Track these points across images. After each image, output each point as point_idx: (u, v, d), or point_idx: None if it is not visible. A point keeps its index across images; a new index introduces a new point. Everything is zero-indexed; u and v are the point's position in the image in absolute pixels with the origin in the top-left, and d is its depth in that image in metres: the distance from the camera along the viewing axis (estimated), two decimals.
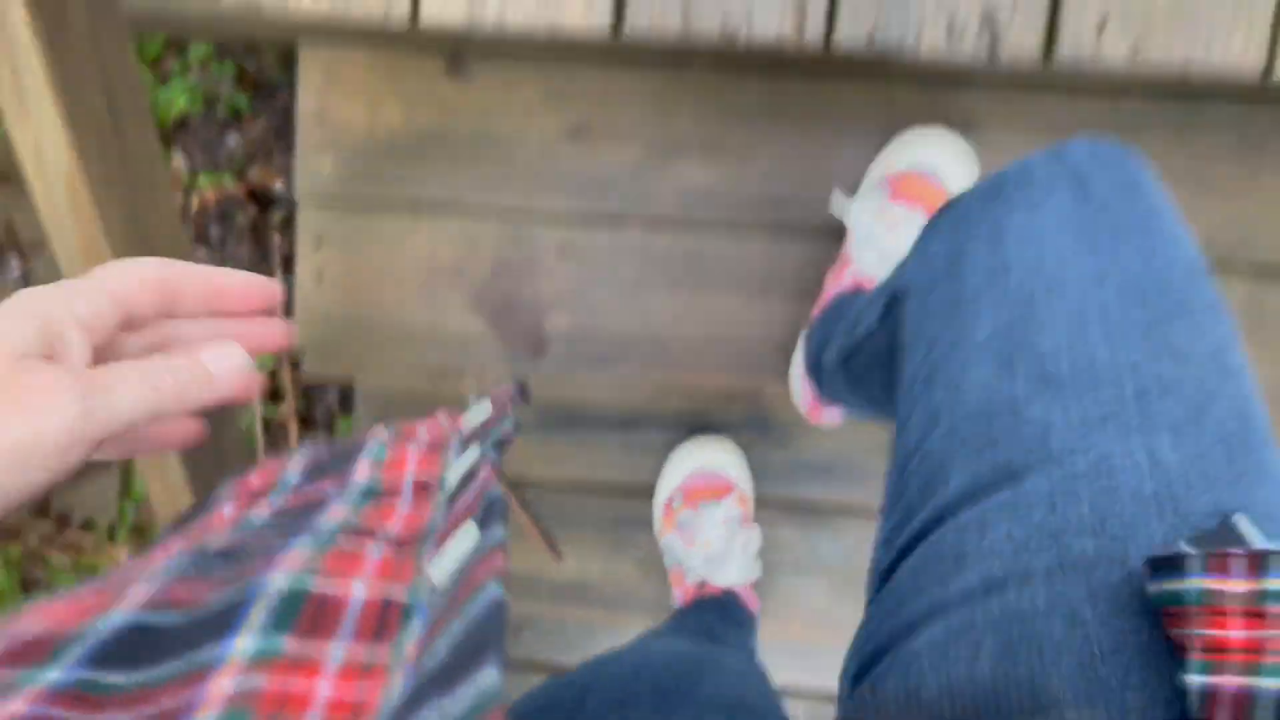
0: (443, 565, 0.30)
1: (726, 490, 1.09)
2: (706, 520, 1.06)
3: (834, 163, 1.05)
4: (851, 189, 1.05)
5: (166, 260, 0.40)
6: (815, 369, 0.96)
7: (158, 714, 0.24)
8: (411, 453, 0.40)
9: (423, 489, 0.38)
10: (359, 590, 0.30)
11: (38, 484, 0.33)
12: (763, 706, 0.59)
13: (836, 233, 1.05)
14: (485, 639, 0.24)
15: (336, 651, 0.27)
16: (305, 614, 0.28)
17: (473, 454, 0.38)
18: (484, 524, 0.31)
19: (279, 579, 0.29)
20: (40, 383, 0.33)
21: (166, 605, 0.29)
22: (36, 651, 0.26)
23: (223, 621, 0.28)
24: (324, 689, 0.25)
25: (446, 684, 0.23)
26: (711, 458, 1.12)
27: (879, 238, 0.94)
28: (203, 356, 0.39)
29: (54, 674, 0.25)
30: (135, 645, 0.27)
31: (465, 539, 0.31)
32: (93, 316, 0.36)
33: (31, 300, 0.35)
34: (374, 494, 0.37)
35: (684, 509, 1.09)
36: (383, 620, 0.29)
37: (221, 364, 0.39)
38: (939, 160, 0.97)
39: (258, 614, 0.28)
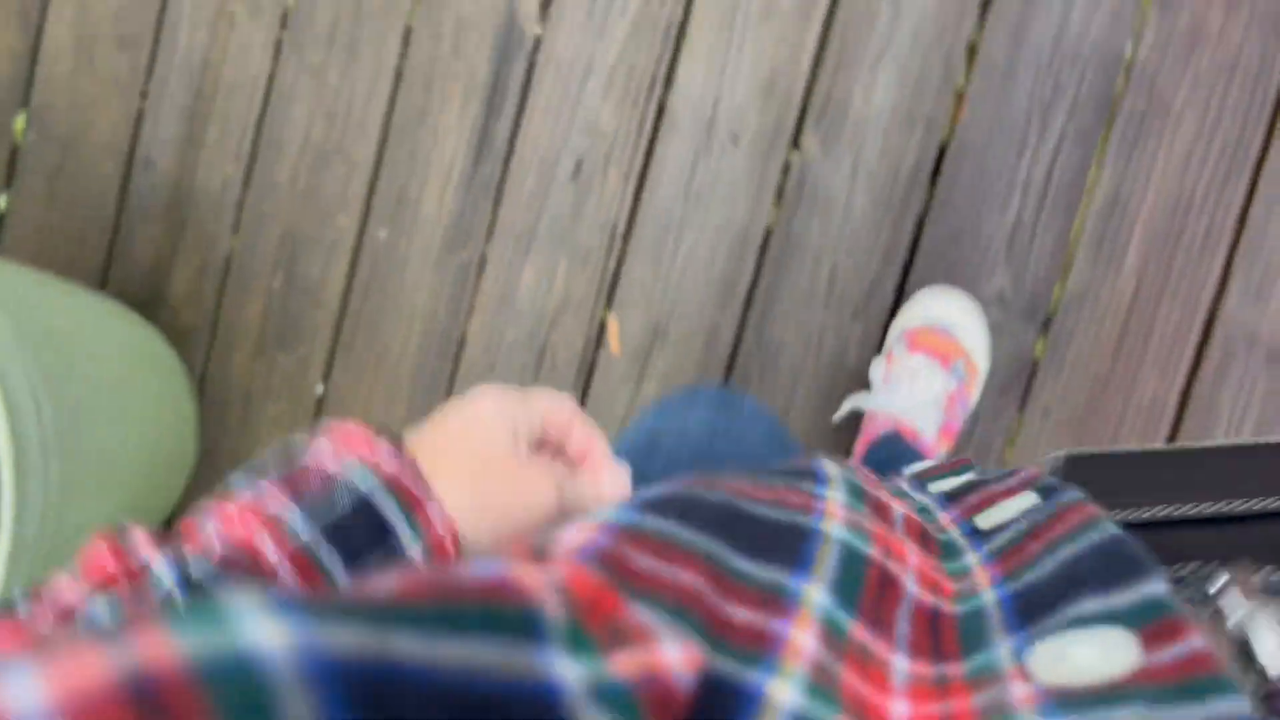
0: (991, 515, 0.29)
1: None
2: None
3: None
4: None
5: (578, 411, 0.49)
6: None
7: (735, 611, 0.22)
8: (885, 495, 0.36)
9: (921, 533, 0.33)
10: (911, 585, 0.26)
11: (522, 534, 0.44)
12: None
13: None
14: (1136, 556, 0.21)
15: (899, 661, 0.23)
16: (869, 589, 0.25)
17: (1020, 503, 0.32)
18: (1046, 494, 0.29)
19: (834, 526, 0.26)
20: (537, 486, 0.43)
21: (705, 486, 0.30)
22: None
23: (790, 545, 0.25)
24: (899, 710, 0.22)
25: (1100, 585, 0.21)
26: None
27: (902, 384, 1.05)
28: (603, 479, 0.48)
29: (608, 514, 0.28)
30: (684, 504, 0.27)
31: (1021, 500, 0.29)
32: (529, 430, 0.46)
33: (500, 407, 0.44)
34: (859, 494, 0.33)
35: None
36: (935, 634, 0.24)
37: (613, 489, 0.48)
38: (953, 316, 1.07)
39: (824, 560, 0.25)
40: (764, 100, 1.18)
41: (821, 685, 0.20)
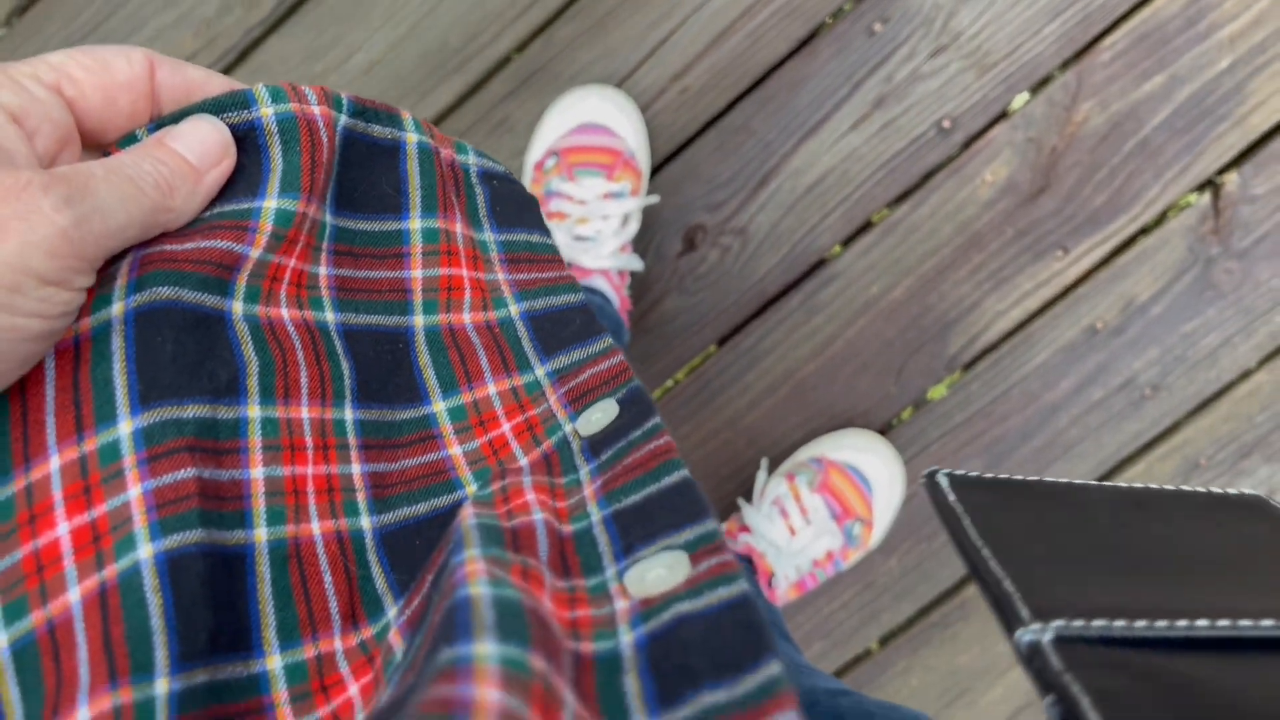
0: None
1: (613, 156, 0.90)
2: (582, 191, 0.88)
3: None
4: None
5: (155, 55, 0.29)
6: None
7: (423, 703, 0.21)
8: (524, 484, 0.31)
9: (560, 547, 0.29)
10: (539, 517, 0.28)
11: (31, 332, 0.24)
12: None
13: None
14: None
15: (569, 698, 0.22)
16: (534, 623, 0.23)
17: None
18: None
19: (480, 587, 0.23)
20: (9, 186, 0.23)
21: None
22: None
23: (443, 632, 0.23)
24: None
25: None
26: (600, 109, 0.91)
27: (787, 521, 0.92)
28: (176, 146, 0.28)
29: None
30: None
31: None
32: (32, 115, 0.26)
33: None
34: (499, 540, 0.28)
35: (557, 174, 0.90)
36: (563, 556, 0.27)
37: (200, 149, 0.28)
38: (880, 472, 0.95)
39: (481, 616, 0.22)
40: None
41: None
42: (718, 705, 0.21)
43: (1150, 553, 0.25)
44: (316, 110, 0.30)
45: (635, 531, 0.26)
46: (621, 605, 0.25)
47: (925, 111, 0.93)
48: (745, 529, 0.94)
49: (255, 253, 0.29)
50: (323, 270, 0.32)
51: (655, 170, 0.95)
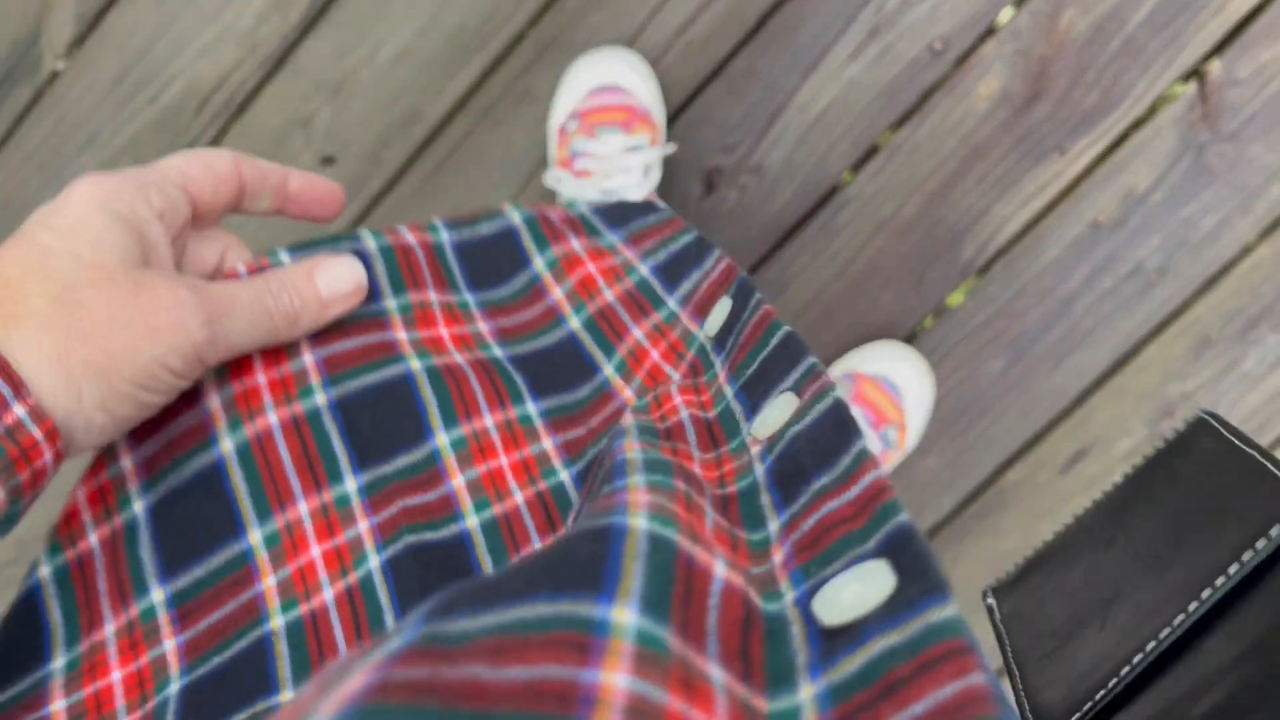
0: (834, 601, 0.22)
1: (628, 112, 0.96)
2: (604, 148, 0.95)
3: None
4: None
5: (239, 155, 0.36)
6: None
7: (536, 683, 0.17)
8: (673, 389, 0.34)
9: (708, 429, 0.31)
10: (720, 568, 0.22)
11: (152, 407, 0.32)
12: None
13: None
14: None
15: (717, 675, 0.20)
16: (678, 586, 0.21)
17: (787, 403, 0.28)
18: (893, 559, 0.21)
19: (640, 520, 0.22)
20: (167, 302, 0.30)
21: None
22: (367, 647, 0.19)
23: (589, 559, 0.20)
24: None
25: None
26: (613, 70, 0.97)
27: None
28: (318, 281, 0.35)
29: (394, 643, 0.18)
30: (477, 587, 0.19)
31: (870, 579, 0.21)
32: (170, 213, 0.33)
33: (109, 196, 0.31)
34: (653, 432, 0.30)
35: (579, 135, 0.97)
36: (745, 635, 0.21)
37: (335, 287, 0.36)
38: (909, 379, 1.01)
39: (631, 567, 0.20)
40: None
41: None
42: (824, 488, 0.24)
43: (1129, 564, 0.28)
44: (409, 236, 0.40)
45: (757, 392, 0.30)
46: (755, 450, 0.28)
47: (917, 36, 0.98)
48: None
49: (402, 334, 0.38)
50: (483, 326, 0.40)
51: (670, 120, 1.02)
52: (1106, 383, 1.04)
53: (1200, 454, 0.29)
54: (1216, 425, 0.29)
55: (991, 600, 0.31)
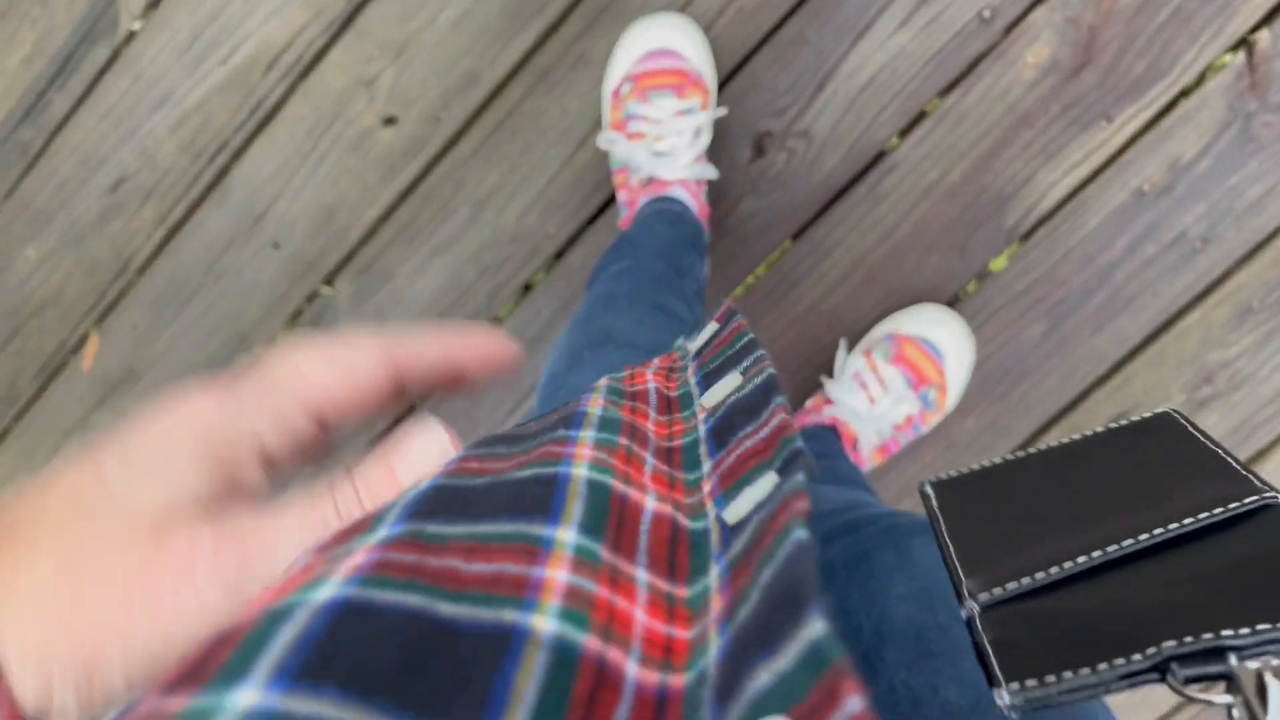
0: (738, 508, 0.26)
1: (681, 76, 0.99)
2: (656, 111, 0.98)
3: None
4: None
5: (388, 340, 0.30)
6: None
7: (497, 574, 0.22)
8: (649, 372, 0.37)
9: (667, 402, 0.34)
10: (650, 502, 0.27)
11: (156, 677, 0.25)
12: None
13: None
14: (800, 586, 0.21)
15: (641, 575, 0.24)
16: (612, 517, 0.25)
17: (733, 381, 0.32)
18: (784, 472, 0.25)
19: (581, 470, 0.26)
20: (182, 565, 0.25)
21: (465, 473, 0.26)
22: (358, 528, 0.23)
23: (541, 497, 0.25)
24: (640, 617, 0.23)
25: (768, 640, 0.20)
26: (666, 35, 0.99)
27: (868, 392, 1.02)
28: (400, 471, 0.28)
29: (381, 532, 0.22)
30: (449, 501, 0.24)
31: (762, 485, 0.26)
32: (281, 448, 0.28)
33: (210, 428, 0.26)
34: (620, 393, 0.34)
35: (632, 99, 1.00)
36: (673, 548, 0.26)
37: (420, 470, 0.28)
38: (950, 341, 1.03)
39: (573, 504, 0.25)
40: (318, 225, 1.15)
41: (574, 608, 0.21)
42: (745, 434, 0.28)
43: (1068, 501, 0.30)
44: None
45: (712, 376, 0.34)
46: (700, 416, 0.32)
47: (966, 3, 1.00)
48: (829, 401, 1.05)
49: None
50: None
51: (721, 85, 1.05)
52: (1147, 348, 1.06)
53: (1163, 436, 0.31)
54: (1183, 421, 0.31)
55: (929, 489, 0.34)
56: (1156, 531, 0.27)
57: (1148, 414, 0.32)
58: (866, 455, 1.04)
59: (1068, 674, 0.24)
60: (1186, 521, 0.27)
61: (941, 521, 0.32)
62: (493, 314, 1.17)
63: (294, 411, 0.27)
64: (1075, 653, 0.24)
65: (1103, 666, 0.24)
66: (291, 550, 0.26)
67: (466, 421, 1.20)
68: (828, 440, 1.03)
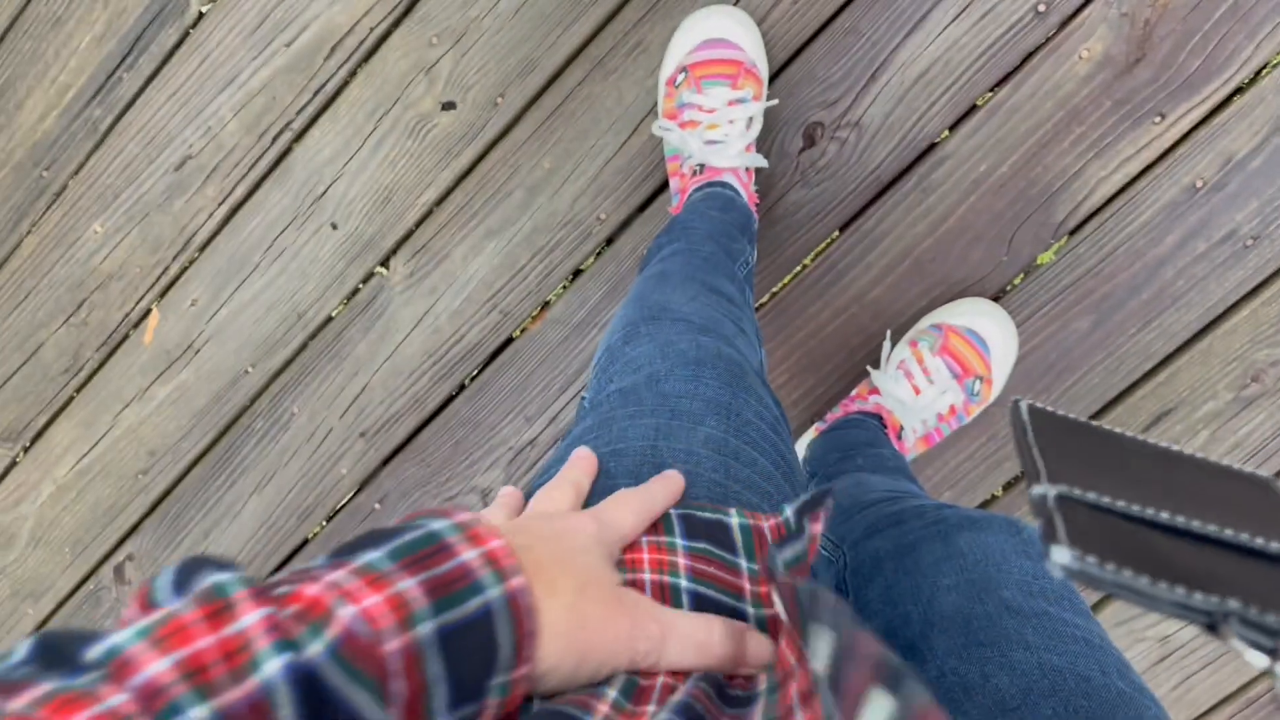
0: None
1: (735, 66, 1.01)
2: (710, 100, 1.00)
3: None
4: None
5: (646, 502, 0.45)
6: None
7: None
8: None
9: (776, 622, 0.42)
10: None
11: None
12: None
13: None
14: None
15: None
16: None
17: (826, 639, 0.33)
18: (895, 688, 0.25)
19: None
20: (645, 613, 0.39)
21: None
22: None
23: None
24: None
25: None
26: (721, 25, 1.02)
27: (913, 382, 1.04)
28: (750, 648, 0.41)
29: None
30: None
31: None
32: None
33: (601, 539, 0.41)
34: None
35: (686, 88, 1.02)
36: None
37: (755, 660, 0.41)
38: (995, 334, 1.05)
39: None
40: (376, 207, 1.18)
41: None
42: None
43: (1162, 479, 0.30)
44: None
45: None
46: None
47: None
48: (875, 391, 1.06)
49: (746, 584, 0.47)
50: (681, 560, 0.45)
51: (774, 76, 1.06)
52: (1193, 345, 1.06)
53: (1257, 488, 0.32)
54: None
55: (1023, 405, 0.33)
56: (1243, 537, 0.28)
57: (1248, 469, 0.32)
58: (910, 445, 1.05)
59: (1127, 571, 0.25)
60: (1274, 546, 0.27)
61: (1029, 430, 0.32)
62: (543, 297, 1.19)
63: (618, 545, 0.43)
64: (1141, 565, 0.25)
65: (1162, 585, 0.24)
66: (685, 647, 0.39)
67: (515, 399, 1.23)
68: (873, 428, 1.04)
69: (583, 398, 0.68)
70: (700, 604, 0.42)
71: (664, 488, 0.46)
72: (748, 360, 0.65)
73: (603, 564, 0.40)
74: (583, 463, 0.50)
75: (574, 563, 0.39)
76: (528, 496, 0.50)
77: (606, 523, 0.43)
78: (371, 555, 0.32)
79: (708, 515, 0.46)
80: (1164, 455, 0.32)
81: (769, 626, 0.43)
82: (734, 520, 0.46)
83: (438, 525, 0.34)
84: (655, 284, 0.79)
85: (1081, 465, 0.30)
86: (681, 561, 0.44)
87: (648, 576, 0.43)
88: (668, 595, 0.42)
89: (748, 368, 0.63)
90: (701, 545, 0.45)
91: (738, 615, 0.43)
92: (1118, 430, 0.33)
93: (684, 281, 0.79)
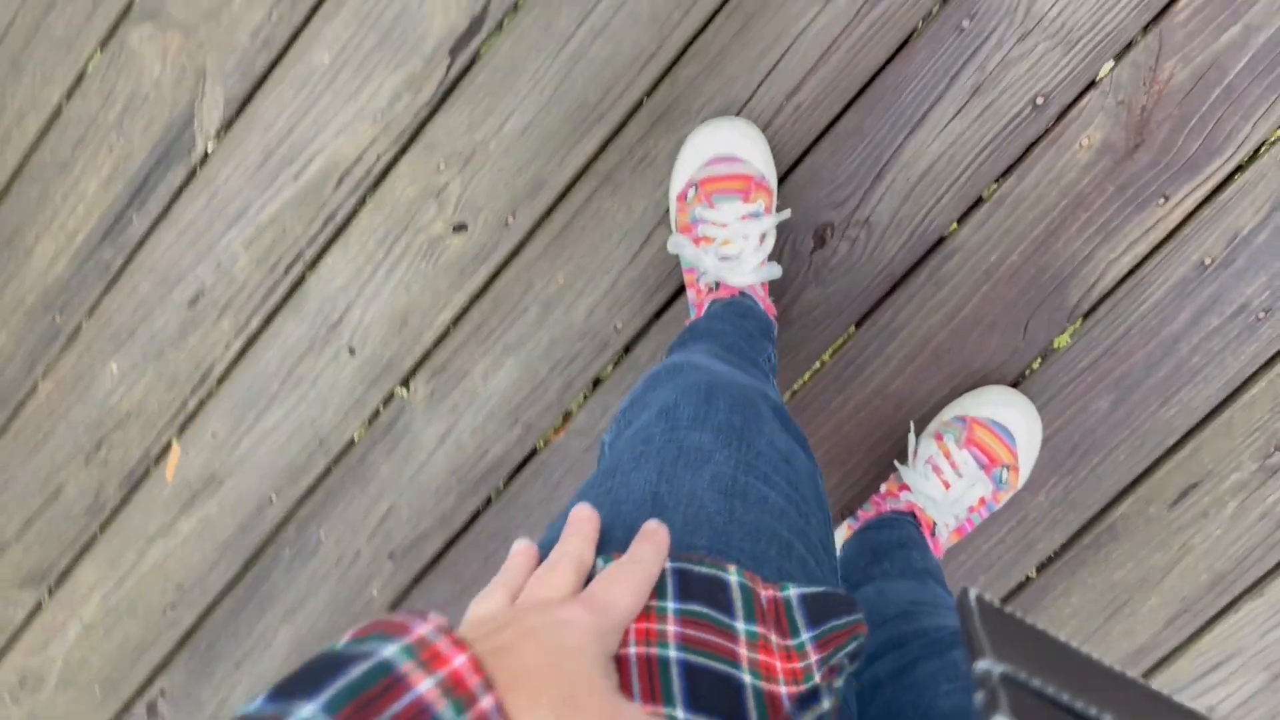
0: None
1: (745, 181, 1.02)
2: (723, 216, 1.00)
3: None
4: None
5: (641, 574, 0.42)
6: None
7: None
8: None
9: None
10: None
11: None
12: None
13: None
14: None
15: None
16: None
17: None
18: None
19: None
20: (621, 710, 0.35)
21: None
22: None
23: None
24: None
25: None
26: (729, 140, 1.03)
27: (942, 478, 1.04)
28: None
29: None
30: None
31: None
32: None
33: (601, 640, 0.39)
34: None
35: (698, 203, 1.02)
36: None
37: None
38: (1019, 421, 1.05)
39: None
40: (393, 330, 1.18)
41: None
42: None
43: (1099, 688, 0.31)
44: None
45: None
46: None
47: (1019, 92, 1.02)
48: (905, 488, 1.07)
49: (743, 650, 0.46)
50: (670, 629, 0.43)
51: (781, 179, 1.07)
52: (1214, 418, 1.07)
53: None
54: None
55: (971, 599, 0.34)
56: None
57: (1187, 704, 0.34)
58: (944, 540, 1.06)
59: None
60: None
61: (976, 615, 0.33)
62: (564, 408, 1.19)
63: (618, 632, 0.40)
64: None
65: None
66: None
67: (544, 509, 1.23)
68: (906, 528, 1.04)
69: (603, 440, 0.69)
70: (691, 674, 0.40)
71: (654, 550, 0.44)
72: (766, 394, 0.66)
73: (596, 667, 0.37)
74: (584, 527, 0.47)
75: (563, 668, 0.35)
76: (548, 545, 0.48)
77: (601, 607, 0.40)
78: (306, 710, 0.28)
79: (705, 570, 0.45)
80: (1108, 672, 0.34)
81: (766, 701, 0.41)
82: (733, 578, 0.45)
83: (388, 652, 0.31)
84: (681, 357, 0.80)
85: (1026, 657, 0.31)
86: (671, 630, 0.42)
87: (634, 651, 0.40)
88: (656, 669, 0.40)
89: (763, 396, 0.63)
90: (695, 607, 0.43)
91: (732, 683, 0.40)
92: (1063, 639, 0.35)
93: (709, 356, 0.80)
